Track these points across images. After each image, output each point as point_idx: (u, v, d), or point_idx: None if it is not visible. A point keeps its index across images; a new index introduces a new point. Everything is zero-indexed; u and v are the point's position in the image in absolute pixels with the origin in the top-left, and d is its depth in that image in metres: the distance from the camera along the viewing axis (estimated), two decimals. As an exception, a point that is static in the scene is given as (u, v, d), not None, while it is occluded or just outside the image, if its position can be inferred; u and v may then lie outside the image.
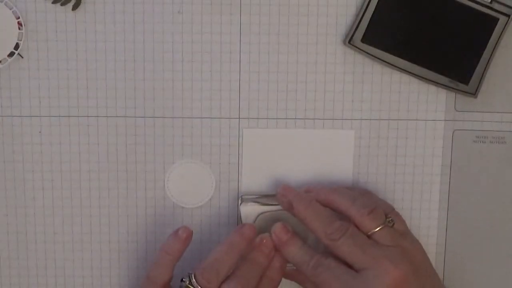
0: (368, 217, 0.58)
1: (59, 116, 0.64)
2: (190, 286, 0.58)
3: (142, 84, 0.63)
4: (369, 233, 0.58)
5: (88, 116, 0.64)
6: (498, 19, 0.61)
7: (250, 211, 0.63)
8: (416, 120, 0.64)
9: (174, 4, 0.62)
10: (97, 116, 0.64)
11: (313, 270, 0.58)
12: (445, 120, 0.64)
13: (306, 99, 0.64)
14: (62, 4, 0.62)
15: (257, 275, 0.60)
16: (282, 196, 0.61)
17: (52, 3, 0.62)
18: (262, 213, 0.63)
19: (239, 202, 0.64)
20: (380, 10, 0.61)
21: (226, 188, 0.65)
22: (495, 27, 0.61)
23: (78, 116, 0.64)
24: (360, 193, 0.62)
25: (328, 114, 0.64)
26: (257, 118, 0.64)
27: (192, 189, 0.65)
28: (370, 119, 0.64)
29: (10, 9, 0.61)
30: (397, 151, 0.65)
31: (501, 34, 0.61)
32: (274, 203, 0.63)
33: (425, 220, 0.66)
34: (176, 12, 0.62)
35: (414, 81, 0.63)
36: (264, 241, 0.61)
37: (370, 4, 0.61)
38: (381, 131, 0.64)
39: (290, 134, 0.64)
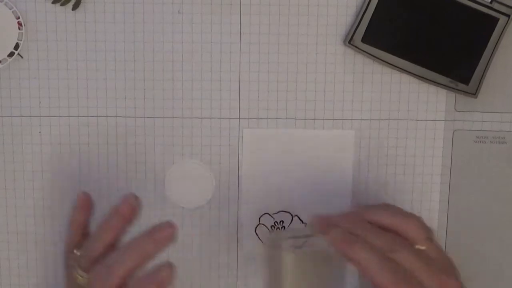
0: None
1: (59, 116, 0.64)
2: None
3: (142, 84, 0.63)
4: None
5: (88, 116, 0.64)
6: (498, 19, 0.61)
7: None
8: (416, 120, 0.64)
9: (174, 4, 0.62)
10: (97, 116, 0.64)
11: None
12: (445, 120, 0.64)
13: (306, 99, 0.64)
14: (62, 4, 0.62)
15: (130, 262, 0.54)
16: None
17: (52, 3, 0.62)
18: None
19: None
20: (380, 10, 0.61)
21: (226, 188, 0.65)
22: (495, 27, 0.61)
23: (78, 116, 0.64)
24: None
25: (328, 114, 0.64)
26: (257, 118, 0.64)
27: (192, 189, 0.65)
28: (370, 119, 0.64)
29: (10, 9, 0.61)
30: (397, 151, 0.65)
31: (501, 34, 0.61)
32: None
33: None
34: (176, 12, 0.62)
35: (414, 81, 0.63)
36: (161, 233, 0.54)
37: (370, 4, 0.61)
38: (381, 131, 0.64)
39: (290, 134, 0.64)
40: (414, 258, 0.52)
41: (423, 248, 0.54)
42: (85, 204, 0.60)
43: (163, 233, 0.54)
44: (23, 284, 0.66)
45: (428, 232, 0.55)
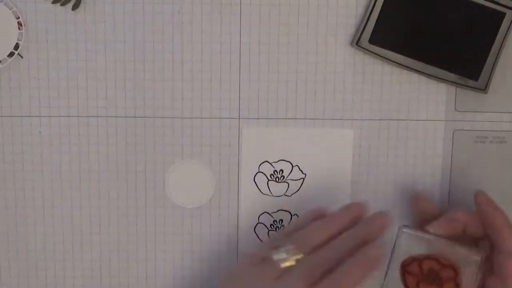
0: None
1: (59, 116, 0.64)
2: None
3: (142, 84, 0.63)
4: None
5: (88, 116, 0.64)
6: (505, 14, 0.61)
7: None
8: (416, 120, 0.64)
9: (174, 4, 0.62)
10: (97, 116, 0.64)
11: None
12: (445, 120, 0.64)
13: (306, 99, 0.64)
14: (62, 4, 0.62)
15: (349, 246, 0.56)
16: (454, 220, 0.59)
17: (52, 3, 0.62)
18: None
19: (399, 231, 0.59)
20: (386, 10, 0.61)
21: (226, 188, 0.65)
22: (502, 22, 0.61)
23: (78, 116, 0.64)
24: None
25: (328, 114, 0.64)
26: (257, 118, 0.64)
27: (192, 189, 0.65)
28: (370, 119, 0.64)
29: (10, 9, 0.61)
30: (397, 151, 0.65)
31: (508, 28, 0.61)
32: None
33: (425, 220, 0.65)
34: (176, 12, 0.62)
35: (415, 81, 0.63)
36: (379, 216, 0.57)
37: (376, 4, 0.61)
38: (381, 131, 0.64)
39: (290, 134, 0.64)
40: None
41: None
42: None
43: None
44: (23, 284, 0.66)
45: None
